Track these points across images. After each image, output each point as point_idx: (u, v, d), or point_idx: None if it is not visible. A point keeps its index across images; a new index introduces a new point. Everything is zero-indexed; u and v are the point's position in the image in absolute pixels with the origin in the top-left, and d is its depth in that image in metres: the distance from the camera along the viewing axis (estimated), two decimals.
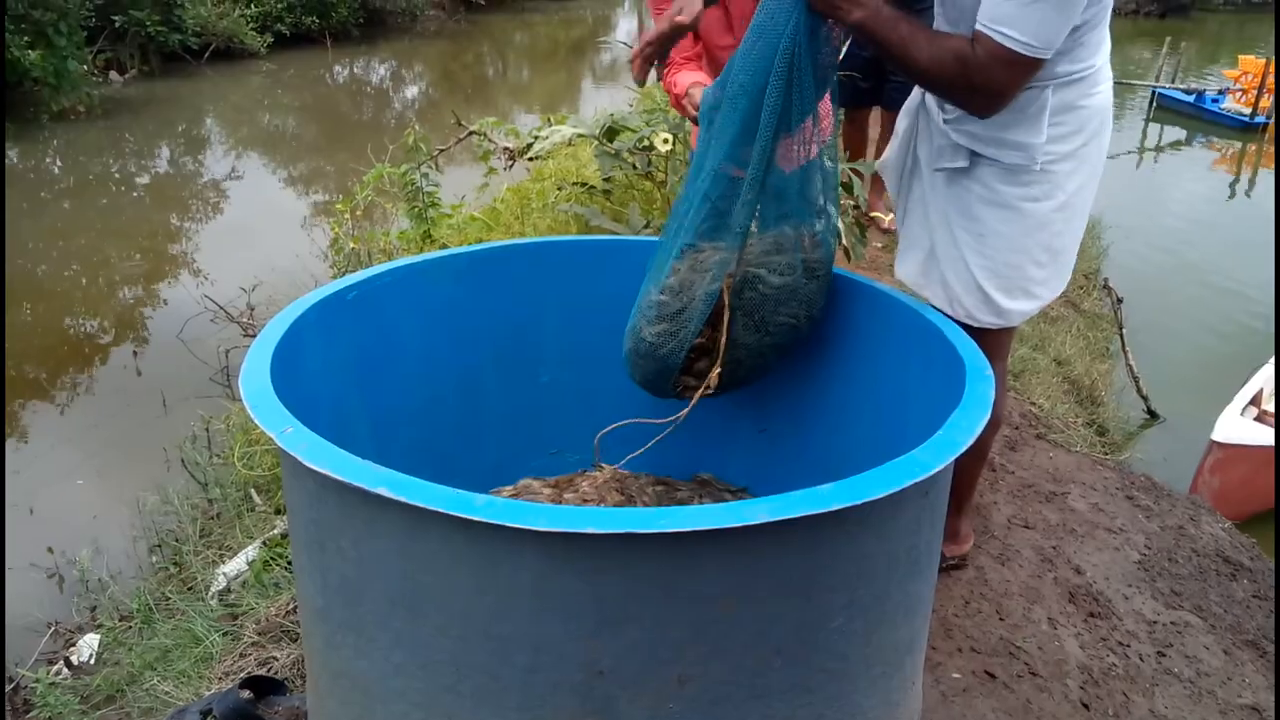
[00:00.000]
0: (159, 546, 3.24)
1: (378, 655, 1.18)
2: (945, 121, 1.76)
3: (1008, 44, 1.48)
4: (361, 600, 1.18)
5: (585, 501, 1.96)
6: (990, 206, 1.76)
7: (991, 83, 1.53)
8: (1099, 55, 1.69)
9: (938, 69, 1.54)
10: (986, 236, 1.77)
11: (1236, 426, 4.07)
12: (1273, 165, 11.51)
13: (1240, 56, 13.96)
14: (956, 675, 1.82)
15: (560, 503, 1.99)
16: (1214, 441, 3.97)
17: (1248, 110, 12.56)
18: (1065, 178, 1.73)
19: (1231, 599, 2.24)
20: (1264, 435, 4.05)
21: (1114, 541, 2.35)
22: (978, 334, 1.60)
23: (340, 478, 1.06)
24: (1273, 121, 12.16)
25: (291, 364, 1.48)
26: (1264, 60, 12.80)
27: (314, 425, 1.17)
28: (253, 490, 3.13)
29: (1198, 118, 13.06)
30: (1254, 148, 12.11)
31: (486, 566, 1.07)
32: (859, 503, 1.07)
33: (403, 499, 1.03)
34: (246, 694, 1.60)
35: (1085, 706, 1.79)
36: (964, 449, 1.23)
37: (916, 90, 1.87)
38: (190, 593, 2.69)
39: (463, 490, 1.04)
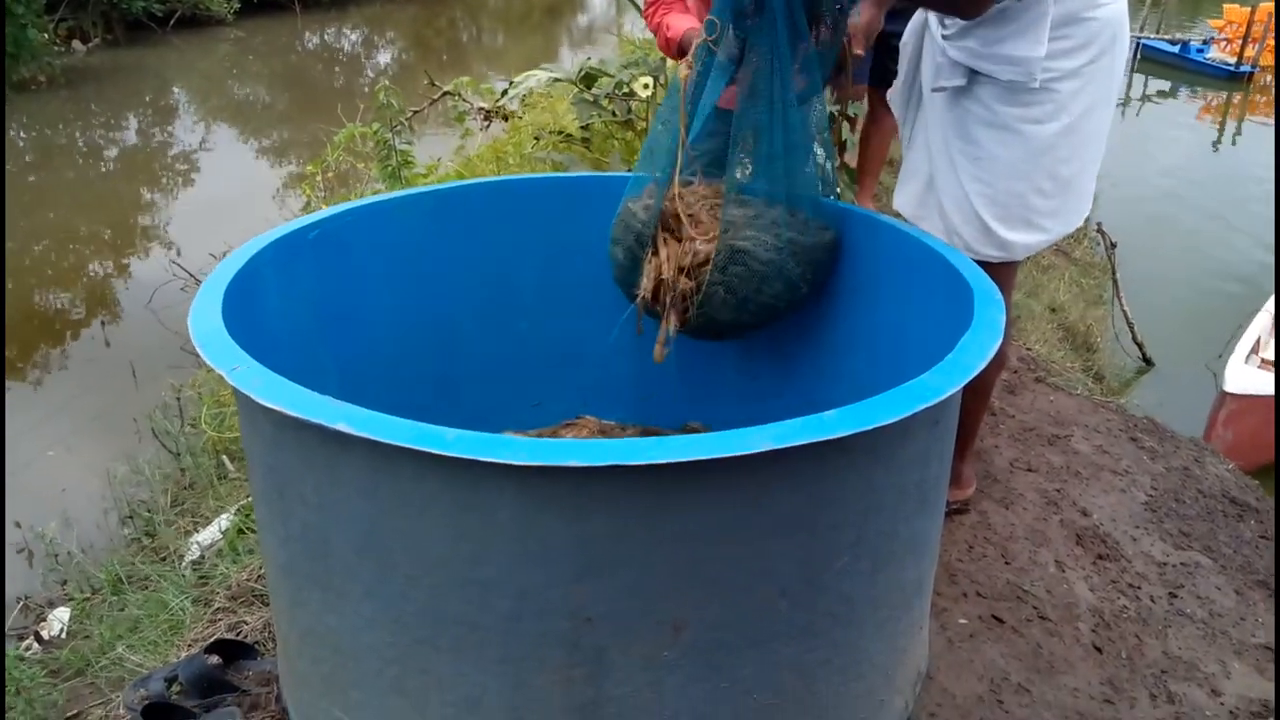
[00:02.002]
0: (130, 518, 3.13)
1: (347, 609, 1.09)
2: (944, 38, 1.66)
3: None
4: (327, 551, 1.08)
5: None
6: (989, 128, 1.65)
7: None
8: None
9: None
10: (984, 161, 1.66)
11: (1248, 377, 3.99)
12: (1259, 114, 11.47)
13: (1225, 6, 13.85)
14: (963, 620, 1.74)
15: None
16: (1226, 393, 3.87)
17: (1233, 60, 12.48)
18: (1070, 98, 1.61)
19: (1240, 539, 2.18)
20: (1273, 384, 3.97)
21: (1119, 483, 2.28)
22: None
23: (297, 414, 0.96)
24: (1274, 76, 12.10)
25: (248, 306, 1.37)
26: (1249, 10, 12.71)
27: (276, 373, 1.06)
28: (225, 457, 3.02)
29: (1182, 68, 12.98)
30: (1239, 97, 12.04)
31: (461, 508, 0.97)
32: (866, 429, 0.98)
33: (366, 435, 0.92)
34: (214, 659, 1.50)
35: (1097, 650, 1.72)
36: (975, 373, 1.14)
37: (920, 11, 1.76)
38: (162, 563, 2.59)
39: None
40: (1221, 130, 11.06)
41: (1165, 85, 12.75)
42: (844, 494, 1.08)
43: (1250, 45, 12.42)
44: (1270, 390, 3.91)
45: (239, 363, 1.07)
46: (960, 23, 1.63)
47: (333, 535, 1.06)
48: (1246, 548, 2.14)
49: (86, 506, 3.32)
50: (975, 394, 1.89)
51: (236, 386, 1.03)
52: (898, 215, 1.86)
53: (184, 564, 2.48)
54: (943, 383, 1.09)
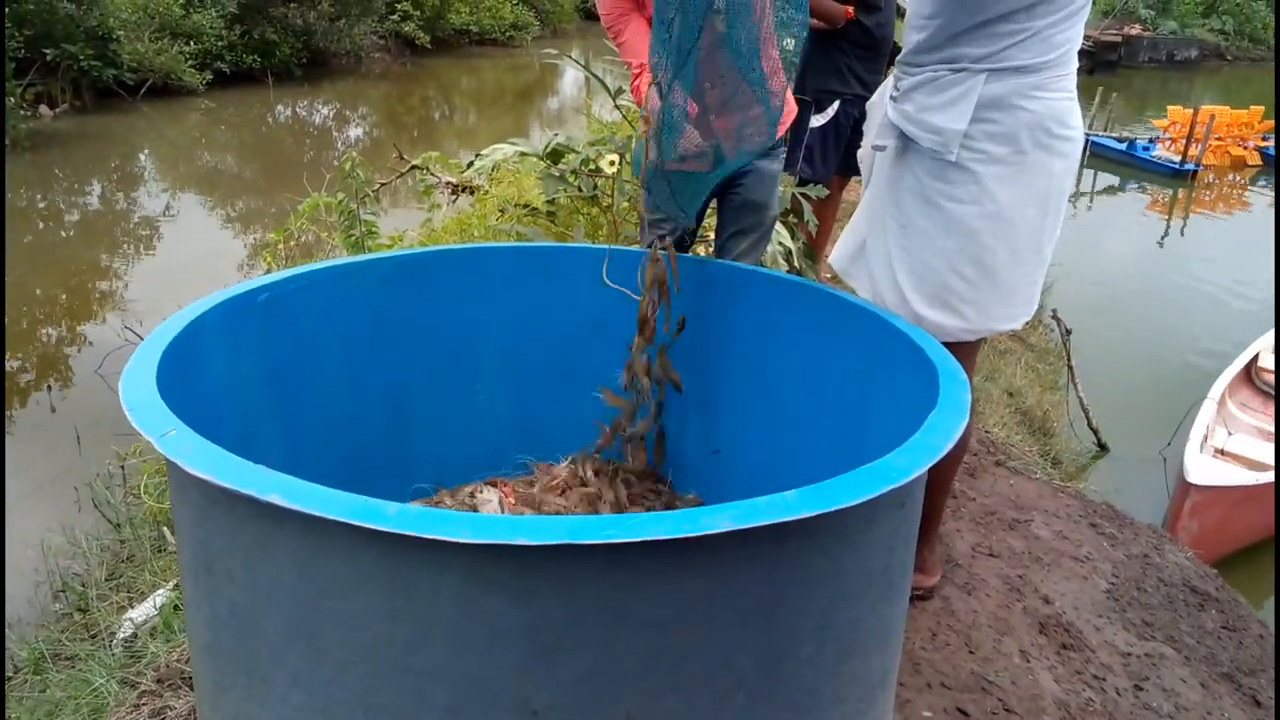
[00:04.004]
0: (63, 591, 2.98)
1: (273, 697, 1.01)
2: (891, 98, 1.70)
3: None
4: (254, 633, 1.01)
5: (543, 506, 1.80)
6: (916, 198, 1.67)
7: None
8: (1053, 55, 1.58)
9: None
10: (909, 229, 1.68)
11: (1210, 468, 4.03)
12: (1203, 210, 11.91)
13: (1169, 107, 14.48)
14: (928, 713, 1.68)
15: (517, 507, 1.83)
16: (1191, 484, 3.88)
17: (1177, 158, 12.98)
18: (994, 183, 1.60)
19: (1202, 630, 2.15)
20: (1237, 475, 4.04)
21: (1081, 570, 2.25)
22: None
23: (226, 485, 0.90)
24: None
25: (189, 371, 1.32)
26: (1191, 111, 13.28)
27: (217, 443, 1.00)
28: (166, 529, 2.90)
29: (1129, 165, 13.45)
30: (1184, 193, 12.49)
31: (400, 588, 0.91)
32: (829, 510, 0.94)
33: (299, 509, 0.87)
34: None
35: None
36: (942, 454, 1.11)
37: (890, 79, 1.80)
38: (93, 640, 2.45)
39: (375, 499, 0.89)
40: (1168, 225, 11.43)
41: (1114, 180, 13.19)
42: (808, 578, 1.03)
43: (1194, 145, 12.93)
44: (1233, 482, 3.95)
45: (170, 428, 1.01)
46: (907, 84, 1.66)
47: (262, 616, 0.99)
48: (1209, 638, 2.11)
49: (17, 580, 3.16)
50: (938, 478, 1.86)
51: (165, 454, 0.97)
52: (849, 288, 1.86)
53: (115, 641, 2.35)
54: (909, 464, 1.06)
